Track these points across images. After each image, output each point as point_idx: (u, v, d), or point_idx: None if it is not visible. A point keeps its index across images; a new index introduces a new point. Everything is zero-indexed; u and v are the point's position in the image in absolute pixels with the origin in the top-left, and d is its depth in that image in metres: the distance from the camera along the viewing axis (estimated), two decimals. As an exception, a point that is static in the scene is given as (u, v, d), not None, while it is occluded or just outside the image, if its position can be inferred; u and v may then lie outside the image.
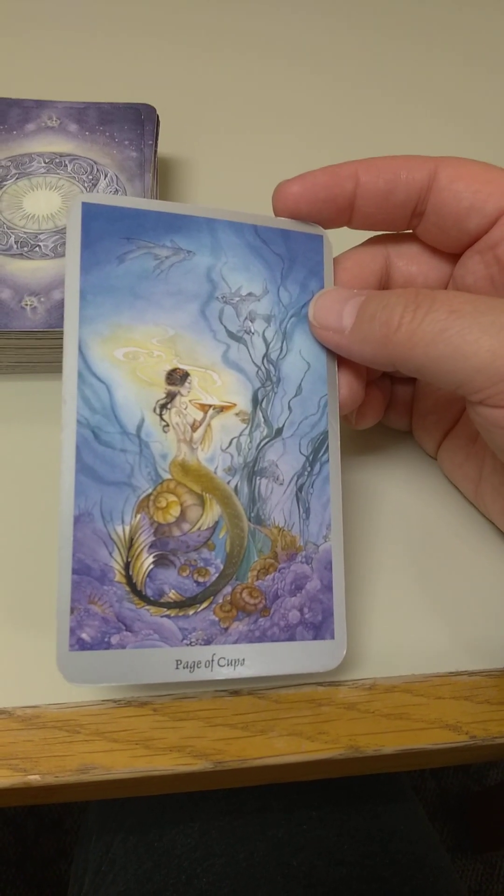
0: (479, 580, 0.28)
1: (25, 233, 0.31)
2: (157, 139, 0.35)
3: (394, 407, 0.31)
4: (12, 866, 0.90)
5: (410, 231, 0.28)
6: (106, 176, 0.33)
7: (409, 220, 0.27)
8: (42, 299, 0.29)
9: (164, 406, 0.24)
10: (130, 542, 0.23)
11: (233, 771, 0.25)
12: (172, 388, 0.24)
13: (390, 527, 0.29)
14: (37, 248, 0.31)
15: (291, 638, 0.24)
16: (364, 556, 0.29)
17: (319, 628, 0.24)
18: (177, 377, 0.24)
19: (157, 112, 0.36)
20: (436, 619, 0.28)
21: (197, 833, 0.42)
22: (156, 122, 0.35)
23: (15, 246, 0.31)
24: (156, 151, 0.34)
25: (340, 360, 0.26)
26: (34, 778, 0.24)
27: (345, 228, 0.27)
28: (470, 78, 0.48)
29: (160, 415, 0.24)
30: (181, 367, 0.24)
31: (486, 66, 0.49)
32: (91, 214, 0.24)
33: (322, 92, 0.45)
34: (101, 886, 0.42)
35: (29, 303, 0.29)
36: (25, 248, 0.31)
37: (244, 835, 0.41)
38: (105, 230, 0.24)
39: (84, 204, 0.24)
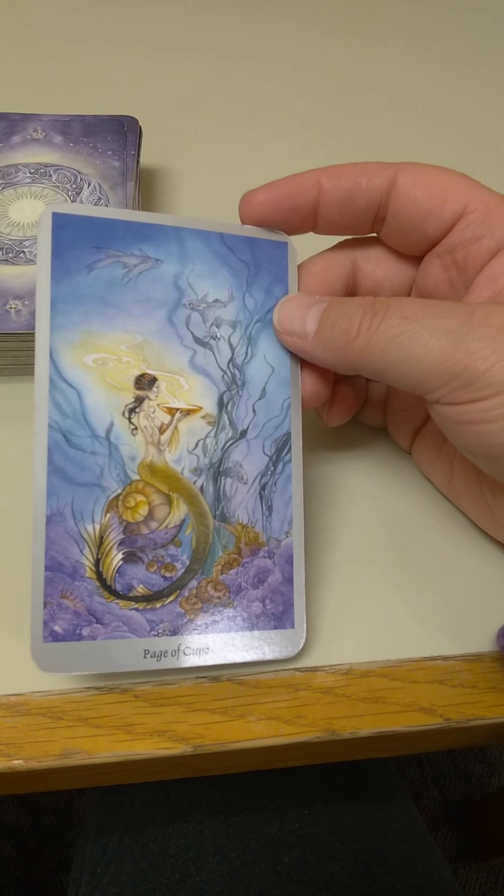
0: (453, 569, 0.29)
1: (11, 240, 0.32)
2: (139, 149, 0.36)
3: (369, 404, 0.32)
4: (14, 880, 0.90)
5: (376, 235, 0.28)
6: (89, 185, 0.34)
7: (371, 225, 0.27)
8: (26, 303, 0.30)
9: (132, 410, 0.25)
10: (100, 540, 0.24)
11: (213, 755, 0.25)
12: (141, 393, 0.25)
13: (367, 519, 0.30)
14: (21, 254, 0.32)
15: (254, 628, 0.25)
16: (341, 546, 0.29)
17: (281, 618, 0.26)
18: (145, 382, 0.25)
19: (140, 124, 0.37)
20: (411, 606, 0.28)
21: (191, 833, 0.42)
22: (138, 134, 0.36)
23: (0, 252, 0.32)
24: (138, 161, 0.35)
25: (304, 361, 0.27)
26: (18, 763, 0.24)
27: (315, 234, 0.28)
28: (453, 78, 0.49)
29: (129, 418, 0.25)
30: (149, 372, 0.25)
31: (467, 65, 0.50)
32: (61, 224, 0.25)
33: (303, 101, 0.46)
34: (97, 888, 0.42)
35: (13, 306, 0.30)
36: (10, 255, 0.32)
37: (236, 833, 0.42)
38: (75, 240, 0.25)
39: (54, 214, 0.25)
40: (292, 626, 0.26)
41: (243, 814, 0.43)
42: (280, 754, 0.27)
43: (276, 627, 0.25)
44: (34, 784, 0.26)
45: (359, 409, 0.31)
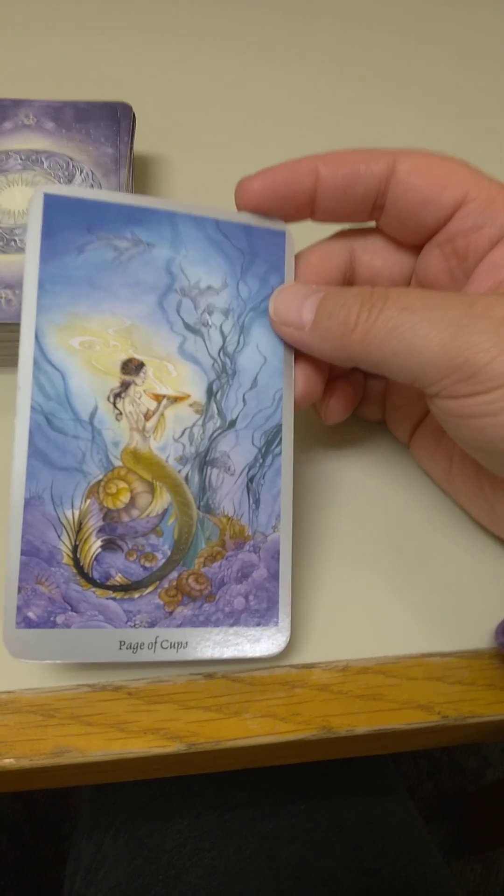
0: (451, 564, 0.29)
1: (1, 227, 0.31)
2: (132, 136, 0.35)
3: (367, 399, 0.31)
4: (10, 872, 0.90)
5: (375, 224, 0.28)
6: (82, 171, 0.34)
7: (370, 213, 0.27)
8: (17, 292, 0.30)
9: (117, 395, 0.24)
10: (79, 526, 0.24)
11: (208, 753, 0.25)
12: (127, 378, 0.24)
13: (365, 513, 0.30)
14: (12, 243, 0.31)
15: (235, 623, 0.25)
16: (338, 541, 0.29)
17: (264, 615, 0.25)
18: (132, 367, 0.25)
19: (134, 110, 0.36)
20: (409, 602, 0.28)
21: (186, 828, 0.42)
22: (131, 120, 0.36)
23: (-9, 241, 0.31)
24: (131, 148, 0.35)
25: (298, 354, 0.27)
26: (9, 762, 0.24)
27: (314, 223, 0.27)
28: (451, 70, 0.48)
29: (114, 403, 0.24)
30: (137, 357, 0.25)
31: (464, 57, 0.49)
32: (53, 206, 0.24)
33: (298, 87, 0.46)
34: (93, 883, 0.42)
35: (4, 295, 0.29)
36: (1, 243, 0.31)
37: (233, 829, 0.42)
38: (66, 221, 0.24)
39: (46, 195, 0.24)
40: (276, 624, 0.25)
41: (240, 809, 0.42)
42: (276, 752, 0.26)
43: (258, 624, 0.25)
44: (26, 783, 0.26)
45: (357, 405, 0.31)
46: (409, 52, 0.49)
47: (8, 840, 0.92)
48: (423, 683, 0.26)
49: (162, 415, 0.25)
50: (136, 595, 0.24)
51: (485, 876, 0.95)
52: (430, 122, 0.45)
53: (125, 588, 0.24)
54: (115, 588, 0.24)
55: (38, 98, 0.36)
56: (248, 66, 0.47)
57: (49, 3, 0.48)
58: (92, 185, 0.33)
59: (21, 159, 0.33)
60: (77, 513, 0.24)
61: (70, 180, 0.33)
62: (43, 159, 0.34)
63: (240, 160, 0.41)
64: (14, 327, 0.29)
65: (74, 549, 0.24)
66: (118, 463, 0.24)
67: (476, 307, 0.22)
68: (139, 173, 0.40)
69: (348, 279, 0.28)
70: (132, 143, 0.35)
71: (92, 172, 0.33)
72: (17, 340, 0.30)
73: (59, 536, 0.23)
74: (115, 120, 0.35)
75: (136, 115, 0.36)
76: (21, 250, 0.31)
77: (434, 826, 0.97)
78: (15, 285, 0.30)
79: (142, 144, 0.40)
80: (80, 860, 0.45)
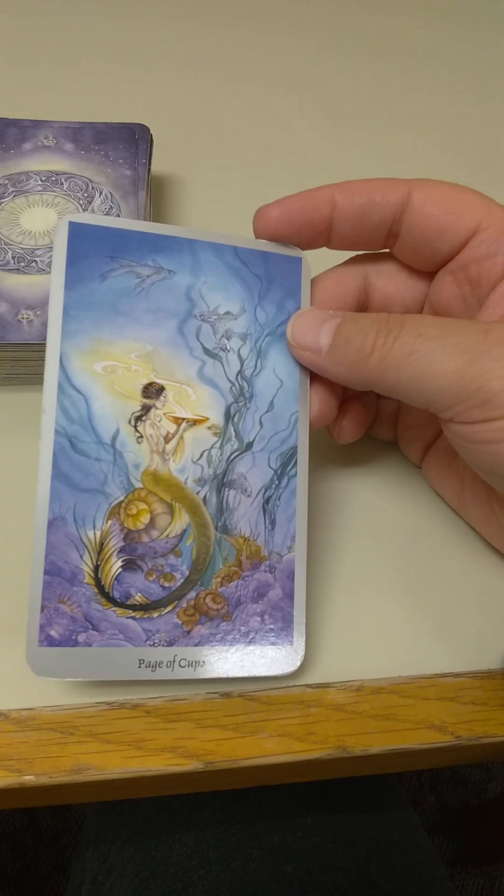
0: (464, 584, 0.29)
1: (22, 248, 0.32)
2: (150, 158, 0.36)
3: (380, 419, 0.32)
4: (10, 883, 0.90)
5: (389, 251, 0.28)
6: (101, 194, 0.34)
7: (385, 241, 0.27)
8: (38, 313, 0.30)
9: (139, 418, 0.25)
10: (101, 547, 0.24)
11: (224, 771, 0.25)
12: (148, 401, 0.25)
13: (378, 533, 0.30)
14: (33, 264, 0.31)
15: (251, 643, 0.25)
16: (351, 561, 0.29)
17: (279, 634, 0.25)
18: (152, 391, 0.25)
19: (152, 131, 0.37)
20: (422, 623, 0.28)
21: (193, 841, 0.42)
22: (149, 142, 0.36)
23: (12, 261, 0.31)
24: (149, 170, 0.35)
25: (314, 377, 0.27)
26: (29, 779, 0.24)
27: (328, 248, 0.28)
28: (459, 102, 0.49)
29: (135, 426, 0.25)
30: (157, 381, 0.25)
31: (474, 83, 0.50)
32: (77, 233, 0.25)
33: (315, 111, 0.46)
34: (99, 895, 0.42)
35: (25, 316, 0.30)
36: (22, 264, 0.31)
37: (239, 842, 0.42)
38: (90, 249, 0.25)
39: (71, 223, 0.25)
40: (291, 643, 0.25)
41: (246, 823, 0.42)
42: (291, 771, 0.26)
43: (274, 643, 0.25)
44: (44, 798, 0.26)
45: (369, 425, 0.31)
46: (421, 81, 0.50)
47: (8, 850, 0.92)
48: (436, 704, 0.27)
49: (181, 437, 0.25)
50: (156, 614, 0.24)
51: (487, 889, 0.95)
52: (442, 145, 0.46)
53: (145, 607, 0.24)
54: (134, 607, 0.24)
55: (57, 119, 0.37)
56: (262, 87, 0.47)
57: (67, 26, 0.49)
58: (111, 207, 0.34)
59: (41, 180, 0.34)
60: (99, 533, 0.24)
61: (89, 202, 0.34)
62: (62, 181, 0.34)
63: (255, 180, 0.41)
64: (35, 347, 0.30)
65: (96, 568, 0.24)
66: (139, 484, 0.25)
67: (490, 335, 0.23)
68: (155, 194, 0.40)
69: (362, 304, 0.29)
70: (150, 164, 0.35)
71: (111, 194, 0.34)
72: (38, 360, 0.30)
73: (81, 556, 0.24)
74: (133, 142, 0.36)
75: (153, 136, 0.37)
76: (42, 271, 0.31)
77: (436, 838, 0.97)
78: (36, 306, 0.30)
79: (157, 164, 0.40)
80: (85, 871, 0.45)
